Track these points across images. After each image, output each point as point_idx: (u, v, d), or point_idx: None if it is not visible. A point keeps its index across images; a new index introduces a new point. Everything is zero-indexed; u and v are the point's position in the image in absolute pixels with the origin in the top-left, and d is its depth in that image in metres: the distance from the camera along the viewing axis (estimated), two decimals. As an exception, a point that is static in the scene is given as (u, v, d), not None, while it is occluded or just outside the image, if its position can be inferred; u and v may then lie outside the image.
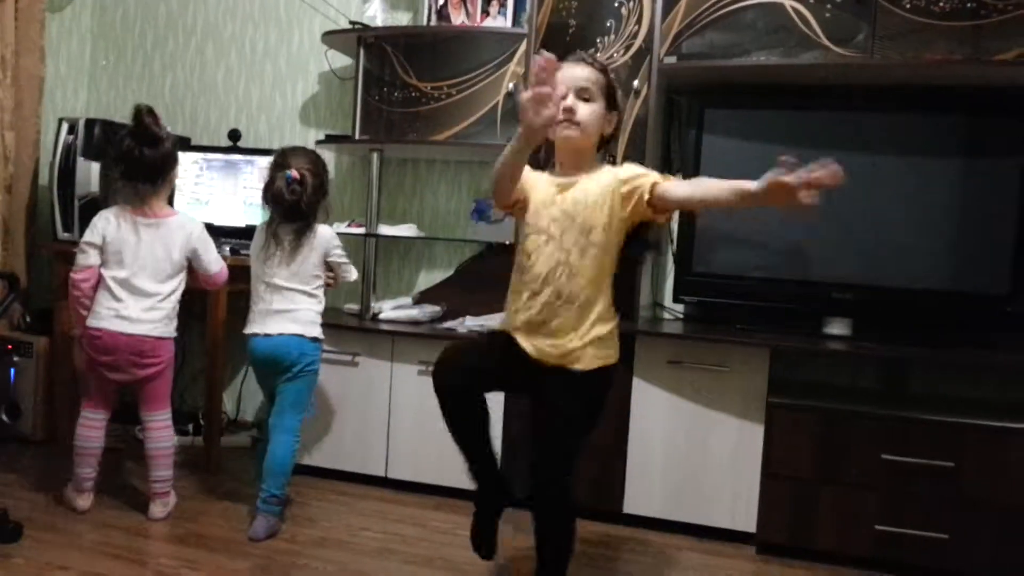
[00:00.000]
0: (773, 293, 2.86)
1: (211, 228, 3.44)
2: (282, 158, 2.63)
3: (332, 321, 2.96)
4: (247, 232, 3.46)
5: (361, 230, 3.31)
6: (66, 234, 3.27)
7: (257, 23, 3.75)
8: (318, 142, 3.42)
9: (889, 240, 2.76)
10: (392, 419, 3.04)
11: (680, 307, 3.13)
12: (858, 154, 2.77)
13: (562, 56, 1.82)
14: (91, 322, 2.59)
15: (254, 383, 3.70)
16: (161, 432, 2.69)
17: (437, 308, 3.27)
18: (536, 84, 1.70)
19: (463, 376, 2.01)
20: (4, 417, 3.36)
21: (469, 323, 3.10)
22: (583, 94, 1.94)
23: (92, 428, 2.67)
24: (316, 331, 2.66)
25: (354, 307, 3.33)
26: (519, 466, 2.87)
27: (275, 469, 2.56)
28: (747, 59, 2.70)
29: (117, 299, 2.58)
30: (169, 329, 2.66)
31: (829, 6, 2.61)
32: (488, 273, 3.17)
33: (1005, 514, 2.41)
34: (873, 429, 2.51)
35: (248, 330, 2.65)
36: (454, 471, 2.96)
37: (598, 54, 2.81)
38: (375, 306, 3.26)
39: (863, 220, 2.77)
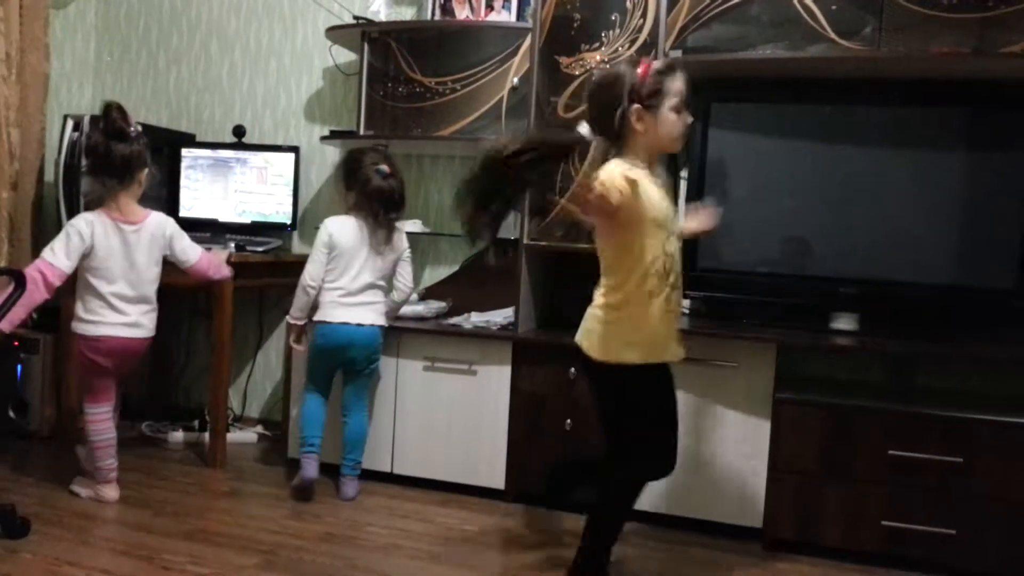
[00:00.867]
0: (779, 288, 2.84)
1: (216, 225, 3.47)
2: (362, 156, 2.86)
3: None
4: (251, 229, 3.48)
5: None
6: (71, 231, 3.27)
7: (261, 19, 3.74)
8: (323, 138, 3.42)
9: (896, 234, 2.75)
10: (398, 415, 3.04)
11: (686, 303, 3.12)
12: (864, 148, 2.75)
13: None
14: (96, 330, 2.64)
15: (260, 379, 3.73)
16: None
17: (443, 304, 3.26)
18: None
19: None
20: (11, 413, 3.37)
21: (475, 319, 3.09)
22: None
23: (103, 421, 2.72)
24: (385, 321, 2.94)
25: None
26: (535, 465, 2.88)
27: (360, 440, 2.92)
28: (753, 52, 2.69)
29: (118, 310, 2.66)
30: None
31: (835, -2, 2.60)
32: (493, 269, 3.16)
33: (1014, 510, 2.39)
34: (880, 424, 2.50)
35: (330, 318, 2.83)
36: (460, 467, 2.97)
37: (603, 48, 2.80)
38: (381, 302, 3.27)
39: (869, 214, 2.75)
